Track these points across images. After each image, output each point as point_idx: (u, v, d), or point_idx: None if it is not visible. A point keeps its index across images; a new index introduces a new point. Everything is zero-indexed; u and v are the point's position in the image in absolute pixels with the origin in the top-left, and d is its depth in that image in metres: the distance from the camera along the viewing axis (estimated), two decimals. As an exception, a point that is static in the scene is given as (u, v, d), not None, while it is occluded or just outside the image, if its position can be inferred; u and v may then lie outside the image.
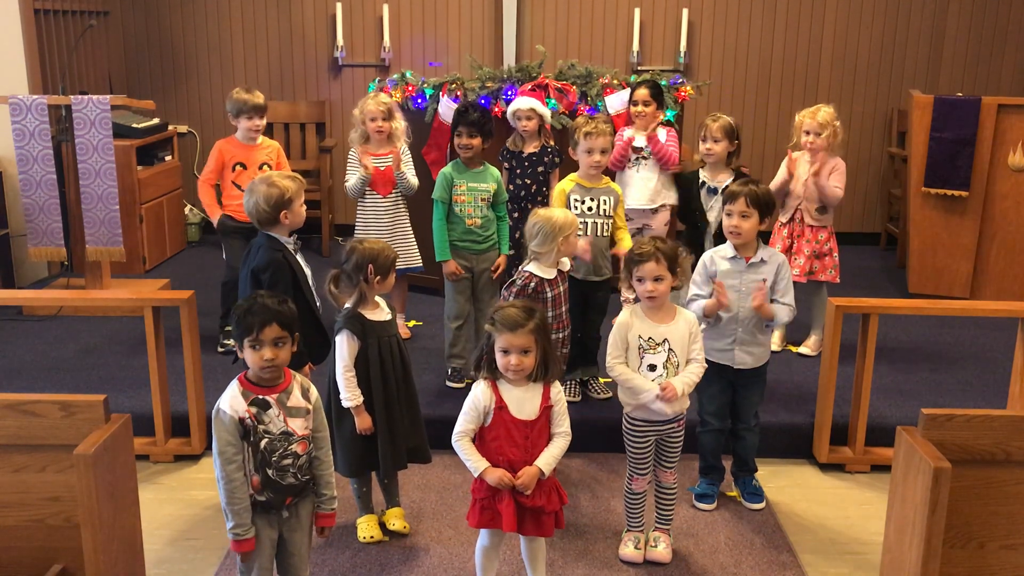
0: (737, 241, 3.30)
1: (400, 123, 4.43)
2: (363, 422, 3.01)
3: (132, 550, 2.73)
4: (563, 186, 3.86)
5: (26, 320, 5.00)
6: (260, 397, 2.45)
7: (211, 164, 4.51)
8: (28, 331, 4.86)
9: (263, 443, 2.44)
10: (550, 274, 3.39)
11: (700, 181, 4.25)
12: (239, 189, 4.45)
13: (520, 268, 3.46)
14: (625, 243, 3.83)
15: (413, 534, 3.27)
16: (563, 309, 3.50)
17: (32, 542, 2.65)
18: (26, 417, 2.59)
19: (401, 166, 4.37)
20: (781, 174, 4.44)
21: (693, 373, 3.00)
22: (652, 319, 2.98)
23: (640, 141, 4.52)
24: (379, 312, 3.07)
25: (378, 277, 3.00)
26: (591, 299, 3.90)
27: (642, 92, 4.53)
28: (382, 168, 4.38)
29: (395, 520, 3.27)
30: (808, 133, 4.36)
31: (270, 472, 2.46)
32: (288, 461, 2.48)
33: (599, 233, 3.83)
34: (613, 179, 4.64)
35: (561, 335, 3.51)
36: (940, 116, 5.23)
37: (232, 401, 2.43)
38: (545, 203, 4.37)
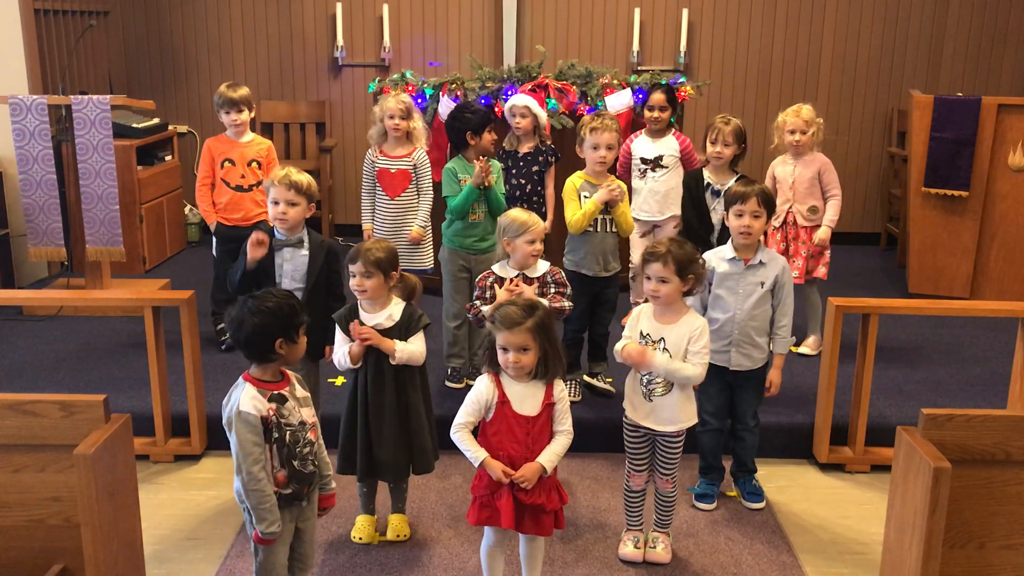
0: (747, 241, 3.29)
1: (419, 123, 4.40)
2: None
3: (132, 550, 2.73)
4: (572, 181, 3.83)
5: (26, 320, 5.00)
6: (277, 392, 2.50)
7: (203, 164, 4.52)
8: (28, 331, 4.86)
9: (287, 436, 2.48)
10: (508, 274, 3.39)
11: (705, 183, 4.23)
12: (228, 186, 4.46)
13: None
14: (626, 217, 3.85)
15: (413, 534, 3.27)
16: None
17: (32, 542, 2.65)
18: (26, 417, 2.59)
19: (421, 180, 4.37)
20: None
21: (681, 367, 2.91)
22: (657, 317, 3.00)
23: (650, 151, 4.53)
24: (377, 316, 3.03)
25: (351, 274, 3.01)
26: (601, 296, 3.91)
27: (658, 96, 4.49)
28: (393, 170, 4.35)
29: (393, 526, 3.26)
30: (793, 132, 4.35)
31: (296, 464, 2.51)
32: (307, 450, 2.54)
33: (607, 229, 3.82)
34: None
35: None
36: (940, 116, 5.23)
37: (253, 401, 2.45)
38: (540, 202, 4.37)
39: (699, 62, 6.75)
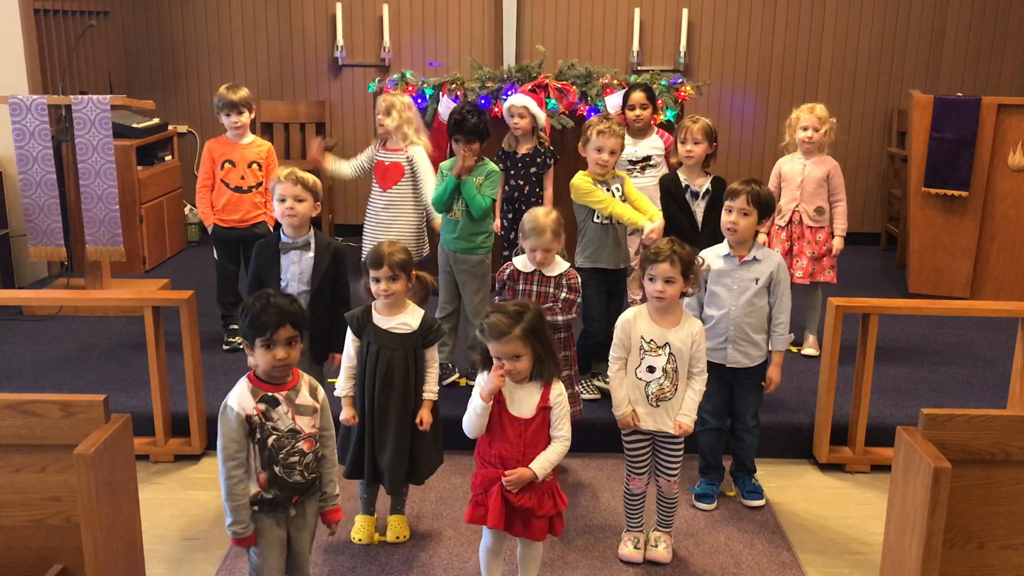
0: (732, 238, 3.31)
1: (395, 120, 4.31)
2: (344, 413, 3.07)
3: (132, 550, 2.73)
4: (582, 180, 3.79)
5: (26, 320, 5.00)
6: (269, 394, 2.47)
7: (204, 165, 4.53)
8: (28, 331, 4.86)
9: (270, 440, 2.45)
10: (527, 268, 3.38)
11: (683, 185, 4.18)
12: (227, 187, 4.47)
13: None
14: (655, 216, 3.80)
15: (413, 534, 3.27)
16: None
17: (32, 542, 2.65)
18: (26, 417, 2.59)
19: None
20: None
21: (697, 392, 2.99)
22: (656, 321, 2.98)
23: (635, 151, 4.53)
24: (391, 320, 3.02)
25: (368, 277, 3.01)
26: (613, 291, 3.91)
27: (638, 95, 4.52)
28: (387, 163, 4.35)
29: (392, 528, 3.26)
30: (806, 129, 4.35)
31: (277, 469, 2.47)
32: (295, 459, 2.49)
33: (615, 222, 3.81)
34: None
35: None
36: (940, 116, 5.23)
37: (240, 399, 2.44)
38: (539, 203, 4.36)
39: (699, 62, 6.74)
